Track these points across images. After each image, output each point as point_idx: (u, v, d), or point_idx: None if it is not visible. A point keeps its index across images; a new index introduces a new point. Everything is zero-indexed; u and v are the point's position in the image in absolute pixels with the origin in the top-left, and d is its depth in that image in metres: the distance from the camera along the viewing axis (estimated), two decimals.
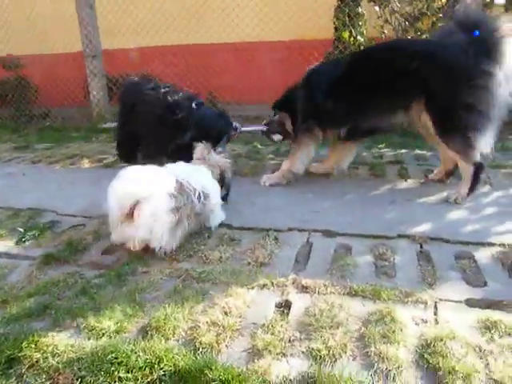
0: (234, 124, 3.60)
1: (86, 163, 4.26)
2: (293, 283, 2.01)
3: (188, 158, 2.79)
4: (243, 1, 5.89)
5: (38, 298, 1.99)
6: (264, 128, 3.65)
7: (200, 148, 2.82)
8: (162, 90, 3.54)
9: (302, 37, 6.07)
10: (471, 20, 2.85)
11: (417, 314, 1.77)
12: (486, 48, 2.63)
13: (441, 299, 1.85)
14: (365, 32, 5.38)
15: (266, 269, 2.17)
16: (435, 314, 1.77)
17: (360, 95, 2.98)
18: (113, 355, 1.55)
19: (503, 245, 2.27)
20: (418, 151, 4.15)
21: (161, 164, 2.48)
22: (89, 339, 1.69)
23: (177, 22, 6.28)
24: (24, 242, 2.61)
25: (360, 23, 5.38)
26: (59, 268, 2.29)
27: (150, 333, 1.70)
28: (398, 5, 5.30)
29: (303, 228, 2.58)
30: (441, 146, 2.99)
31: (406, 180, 3.35)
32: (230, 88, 6.02)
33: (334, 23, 5.46)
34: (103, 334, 1.71)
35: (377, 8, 5.34)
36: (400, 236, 2.43)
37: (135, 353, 1.57)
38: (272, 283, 2.01)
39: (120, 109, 3.94)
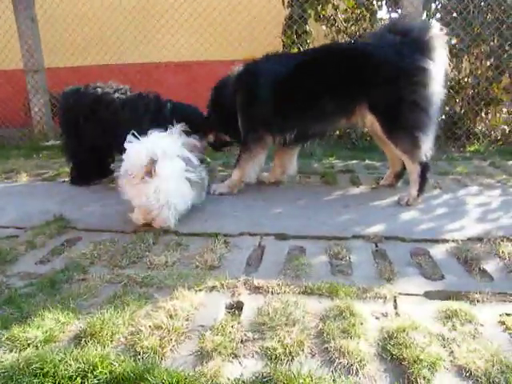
0: None
1: (23, 177, 3.95)
2: (244, 284, 1.87)
3: None
4: (187, 20, 5.85)
5: None
6: None
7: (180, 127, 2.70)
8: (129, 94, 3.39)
9: (251, 55, 6.06)
10: (404, 23, 2.95)
11: (376, 308, 1.68)
12: (419, 46, 2.72)
13: (400, 293, 1.77)
14: None
15: (216, 272, 2.02)
16: (395, 307, 1.68)
17: (306, 100, 2.92)
18: (37, 366, 1.33)
19: (456, 241, 2.25)
20: (367, 161, 4.16)
21: None
22: (10, 351, 1.47)
23: (121, 41, 6.13)
24: None
25: (308, 41, 5.45)
26: None
27: (84, 340, 1.50)
28: (344, 24, 5.45)
29: (255, 232, 2.46)
30: (388, 146, 2.98)
31: (357, 186, 3.32)
32: None
33: (283, 40, 5.50)
34: (28, 345, 1.49)
35: (324, 27, 5.47)
36: (355, 236, 2.36)
37: (65, 362, 1.36)
38: (222, 285, 1.86)
39: (68, 119, 3.50)
